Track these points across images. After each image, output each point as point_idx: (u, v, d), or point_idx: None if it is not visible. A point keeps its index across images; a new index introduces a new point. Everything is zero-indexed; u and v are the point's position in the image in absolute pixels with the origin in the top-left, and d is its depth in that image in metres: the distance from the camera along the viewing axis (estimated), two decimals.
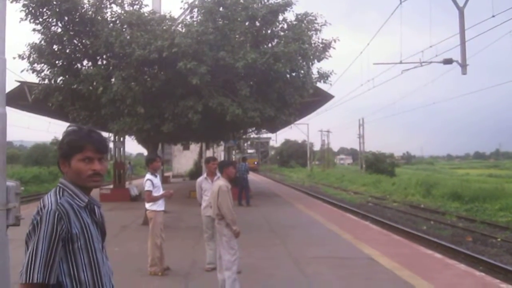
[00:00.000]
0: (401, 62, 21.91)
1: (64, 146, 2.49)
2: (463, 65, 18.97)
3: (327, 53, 16.28)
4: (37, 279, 2.21)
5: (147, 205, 8.97)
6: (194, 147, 47.50)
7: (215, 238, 8.46)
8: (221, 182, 7.50)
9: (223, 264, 7.34)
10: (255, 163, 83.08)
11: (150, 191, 8.77)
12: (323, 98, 23.64)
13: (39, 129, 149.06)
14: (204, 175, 9.47)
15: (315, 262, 9.88)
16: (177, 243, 11.79)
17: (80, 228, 2.39)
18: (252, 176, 41.38)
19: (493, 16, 16.26)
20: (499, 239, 16.76)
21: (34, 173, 44.29)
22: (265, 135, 59.67)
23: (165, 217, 15.22)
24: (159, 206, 9.02)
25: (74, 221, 2.37)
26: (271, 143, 73.60)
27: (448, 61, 20.39)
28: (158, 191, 8.92)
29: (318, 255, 10.53)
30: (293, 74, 15.94)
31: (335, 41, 16.42)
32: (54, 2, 14.62)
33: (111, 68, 15.12)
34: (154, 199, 8.85)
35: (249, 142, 69.83)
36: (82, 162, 2.46)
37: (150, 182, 8.81)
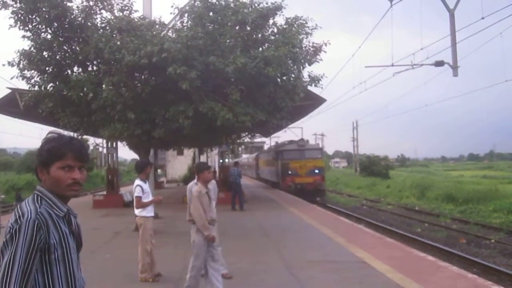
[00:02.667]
0: (392, 65, 21.90)
1: (44, 153, 2.41)
2: (454, 67, 18.97)
3: (318, 56, 16.27)
4: None
5: (137, 211, 8.92)
6: (188, 152, 47.47)
7: None
8: (196, 187, 7.62)
9: (189, 267, 7.52)
10: (317, 171, 33.89)
11: (139, 197, 8.73)
12: (315, 101, 23.61)
13: (32, 136, 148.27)
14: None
15: (308, 266, 9.82)
16: (169, 249, 11.71)
17: (58, 239, 2.32)
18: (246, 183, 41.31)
19: (483, 18, 16.30)
20: (492, 240, 16.79)
21: (27, 180, 44.09)
22: (259, 139, 59.17)
23: (157, 222, 15.18)
24: (149, 212, 8.98)
25: (53, 231, 2.31)
26: (265, 147, 72.48)
27: (439, 63, 20.39)
28: (148, 197, 8.89)
29: (311, 259, 10.47)
30: (284, 78, 15.92)
31: (325, 45, 16.42)
32: (44, 9, 14.59)
33: (101, 74, 15.06)
34: (143, 205, 8.81)
35: (243, 147, 68.89)
36: (62, 170, 2.39)
37: (140, 188, 8.76)
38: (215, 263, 7.61)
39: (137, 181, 8.90)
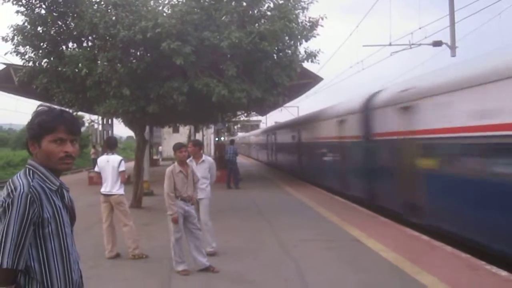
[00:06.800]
0: (390, 44, 21.75)
1: (35, 127, 2.40)
2: (453, 47, 18.85)
3: (315, 31, 16.03)
4: (6, 264, 2.15)
5: (116, 190, 8.94)
6: (184, 130, 47.34)
7: (200, 220, 8.50)
8: (170, 166, 7.95)
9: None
10: None
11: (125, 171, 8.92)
12: (312, 80, 23.49)
13: (27, 112, 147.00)
14: (190, 158, 9.43)
15: (302, 244, 9.87)
16: (163, 224, 11.72)
17: (52, 213, 2.32)
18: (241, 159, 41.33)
19: None
20: None
21: (23, 156, 44.06)
22: (255, 118, 59.05)
23: (152, 199, 15.27)
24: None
25: (46, 205, 2.30)
26: (262, 126, 72.24)
27: (437, 44, 20.25)
28: None
29: (305, 238, 10.51)
30: (280, 54, 15.75)
31: (322, 19, 16.16)
32: None
33: (96, 50, 14.87)
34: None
35: (239, 125, 68.74)
36: (53, 144, 2.38)
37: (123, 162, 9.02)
38: (196, 239, 7.90)
39: (119, 156, 8.98)
